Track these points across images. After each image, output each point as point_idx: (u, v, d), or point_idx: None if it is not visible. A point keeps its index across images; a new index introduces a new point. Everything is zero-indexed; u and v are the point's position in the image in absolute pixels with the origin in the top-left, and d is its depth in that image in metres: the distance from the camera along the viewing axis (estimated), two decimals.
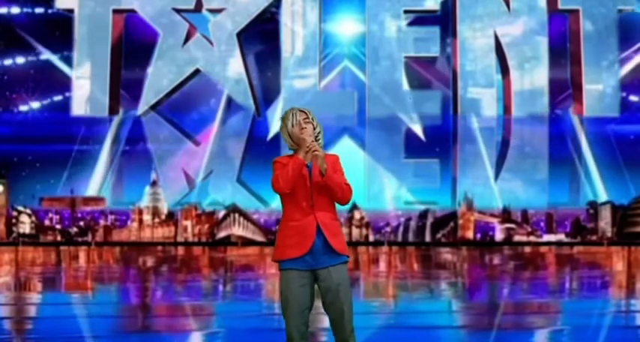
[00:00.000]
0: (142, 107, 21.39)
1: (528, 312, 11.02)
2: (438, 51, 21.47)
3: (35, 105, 21.58)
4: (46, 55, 21.54)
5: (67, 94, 21.50)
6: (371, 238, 21.27)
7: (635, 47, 21.49)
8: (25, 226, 21.32)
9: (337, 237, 5.57)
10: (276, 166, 5.59)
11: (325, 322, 8.57)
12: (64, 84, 21.50)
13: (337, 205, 5.67)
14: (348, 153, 21.56)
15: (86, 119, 21.44)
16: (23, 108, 21.61)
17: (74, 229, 21.37)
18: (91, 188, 21.38)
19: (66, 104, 21.50)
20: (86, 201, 21.42)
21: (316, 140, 5.63)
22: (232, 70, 21.49)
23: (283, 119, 5.68)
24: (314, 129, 5.62)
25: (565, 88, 21.56)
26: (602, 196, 21.31)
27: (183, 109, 21.51)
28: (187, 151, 21.44)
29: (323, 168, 5.50)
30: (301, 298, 5.49)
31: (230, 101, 21.46)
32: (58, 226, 21.39)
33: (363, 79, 21.47)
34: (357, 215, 21.26)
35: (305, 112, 5.67)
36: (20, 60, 21.57)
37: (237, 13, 21.43)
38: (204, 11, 21.43)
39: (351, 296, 5.56)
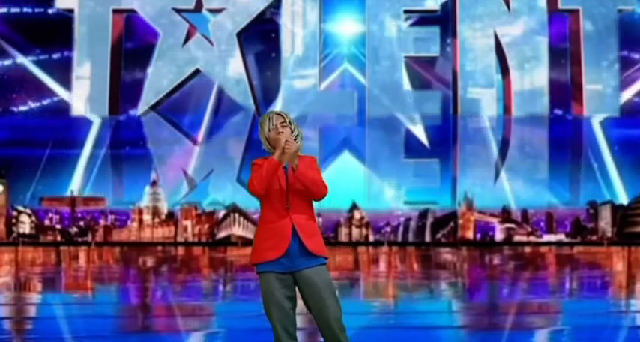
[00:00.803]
0: (142, 107, 21.38)
1: (528, 312, 11.02)
2: (438, 51, 21.47)
3: (35, 105, 21.58)
4: (46, 55, 21.53)
5: (67, 94, 21.49)
6: (371, 238, 21.27)
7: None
8: (25, 226, 21.33)
9: (313, 238, 5.55)
10: (253, 169, 5.59)
11: None
12: (64, 84, 21.49)
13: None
14: (348, 153, 21.58)
15: (86, 119, 21.43)
16: (23, 108, 21.60)
17: (74, 229, 21.37)
18: (93, 188, 21.38)
19: (66, 104, 21.50)
20: (86, 201, 21.43)
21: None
22: (232, 70, 21.49)
23: (260, 123, 5.68)
24: (291, 132, 5.60)
25: (565, 89, 21.56)
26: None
27: (184, 109, 21.50)
28: (187, 151, 21.44)
29: (294, 164, 5.49)
30: (283, 300, 5.49)
31: (230, 101, 21.46)
32: (58, 226, 21.39)
33: (363, 79, 21.47)
34: (357, 215, 21.26)
35: (282, 116, 5.65)
36: (20, 60, 21.57)
37: (237, 13, 21.43)
38: (204, 11, 21.43)
39: (334, 294, 5.53)
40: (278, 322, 5.50)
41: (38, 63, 21.56)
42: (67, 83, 21.50)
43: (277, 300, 5.49)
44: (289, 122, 5.61)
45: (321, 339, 5.57)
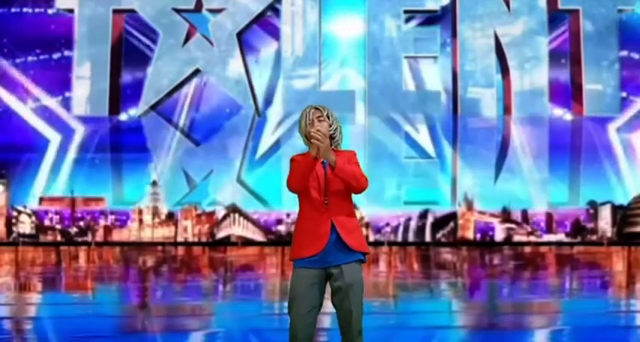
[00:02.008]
0: (142, 107, 21.39)
1: (528, 312, 11.02)
2: (438, 51, 21.47)
3: (35, 105, 21.57)
4: (46, 55, 21.53)
5: (67, 94, 21.49)
6: (371, 238, 21.27)
7: None
8: (25, 226, 21.32)
9: (353, 233, 5.49)
10: (292, 165, 5.48)
11: (326, 322, 8.57)
12: (64, 84, 21.49)
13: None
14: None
15: (86, 119, 21.43)
16: (23, 108, 21.59)
17: (74, 229, 21.37)
18: (93, 188, 21.37)
19: (66, 104, 21.49)
20: (86, 201, 21.43)
21: (332, 138, 5.51)
22: (232, 70, 21.49)
23: (299, 119, 5.59)
24: (329, 126, 5.51)
25: (565, 89, 21.56)
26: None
27: (184, 108, 21.50)
28: (187, 151, 21.44)
29: (330, 159, 5.37)
30: (309, 298, 5.42)
31: (230, 101, 21.46)
32: (58, 226, 21.39)
33: (363, 79, 21.48)
34: (357, 215, 21.25)
35: (320, 109, 5.56)
36: (20, 60, 21.56)
37: (237, 13, 21.43)
38: (204, 11, 21.43)
39: (361, 297, 5.50)
40: (297, 321, 5.43)
41: (38, 63, 21.56)
42: (67, 83, 21.50)
43: (302, 298, 5.41)
44: (327, 116, 5.52)
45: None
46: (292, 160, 5.50)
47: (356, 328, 5.46)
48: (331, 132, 5.50)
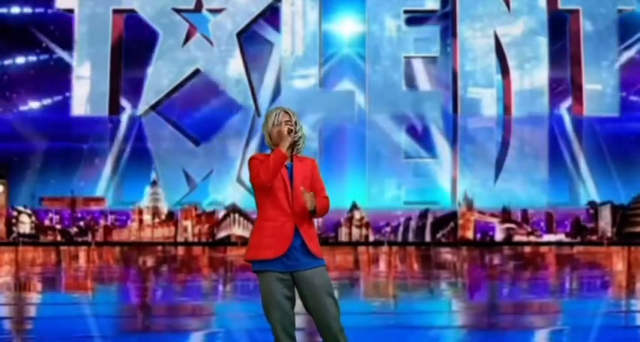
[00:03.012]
0: (142, 107, 21.39)
1: (528, 312, 11.02)
2: (438, 51, 21.47)
3: (35, 105, 21.58)
4: (46, 55, 21.54)
5: (67, 94, 21.50)
6: (371, 238, 21.26)
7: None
8: (25, 226, 21.32)
9: (314, 240, 5.55)
10: (254, 163, 5.50)
11: None
12: (64, 84, 21.50)
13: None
14: (348, 153, 21.58)
15: (86, 119, 21.44)
16: (23, 108, 21.61)
17: (74, 229, 21.37)
18: (92, 188, 21.38)
19: (66, 104, 21.50)
20: (86, 201, 21.43)
21: (295, 145, 5.56)
22: (232, 70, 21.49)
23: (266, 117, 5.62)
24: (295, 133, 5.55)
25: (565, 89, 21.58)
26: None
27: (184, 109, 21.51)
28: (187, 151, 21.44)
29: (311, 206, 5.46)
30: (284, 301, 5.46)
31: (230, 101, 21.46)
32: (58, 226, 21.39)
33: (363, 78, 21.48)
34: (357, 215, 21.25)
35: (289, 114, 5.60)
36: (20, 60, 21.57)
37: (237, 13, 21.44)
38: (204, 11, 21.44)
39: (333, 296, 5.52)
40: (278, 323, 5.48)
41: (38, 63, 21.56)
42: (67, 83, 21.50)
43: (278, 301, 5.46)
44: (295, 122, 5.56)
45: (320, 339, 5.56)
46: (254, 158, 5.53)
47: (336, 326, 5.48)
48: (295, 139, 5.53)
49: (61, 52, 21.52)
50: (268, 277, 5.48)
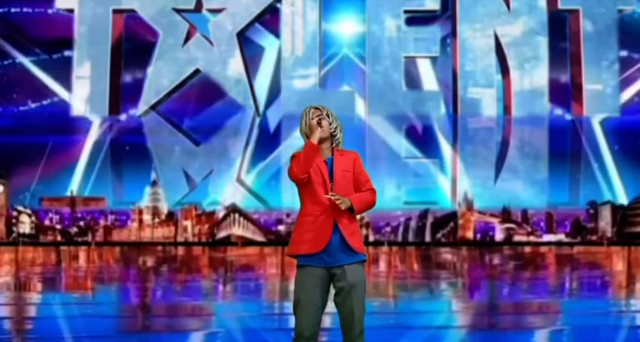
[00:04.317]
0: (142, 107, 21.39)
1: (528, 312, 11.02)
2: (438, 51, 21.47)
3: (35, 105, 21.58)
4: (46, 55, 21.54)
5: (67, 94, 21.49)
6: (371, 238, 21.27)
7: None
8: (25, 226, 21.32)
9: (355, 235, 5.51)
10: (292, 160, 5.51)
11: (327, 322, 8.57)
12: (64, 84, 21.49)
13: None
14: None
15: (86, 119, 21.43)
16: (23, 108, 21.61)
17: (74, 229, 21.37)
18: (92, 188, 21.38)
19: (66, 104, 21.49)
20: (86, 201, 21.43)
21: (333, 136, 5.54)
22: (232, 70, 21.49)
23: (300, 119, 5.61)
24: (330, 124, 5.53)
25: (565, 89, 21.57)
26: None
27: (184, 109, 21.50)
28: (187, 151, 21.44)
29: (347, 206, 5.42)
30: (314, 299, 5.43)
31: (230, 101, 21.46)
32: (58, 226, 21.40)
33: (363, 78, 21.48)
34: (357, 215, 21.25)
35: (319, 109, 5.58)
36: (20, 60, 21.57)
37: (237, 13, 21.43)
38: (204, 11, 21.43)
39: (363, 297, 5.52)
40: (303, 320, 5.44)
41: (38, 63, 21.56)
42: (67, 83, 21.50)
43: (308, 299, 5.43)
44: (327, 114, 5.54)
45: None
46: (294, 156, 5.52)
47: (358, 328, 5.48)
48: (332, 130, 5.51)
49: (60, 52, 21.51)
50: (305, 273, 5.45)
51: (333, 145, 5.52)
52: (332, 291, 5.59)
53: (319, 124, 5.45)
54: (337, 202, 5.35)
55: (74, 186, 21.35)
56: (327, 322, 8.60)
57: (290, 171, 5.45)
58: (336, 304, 5.50)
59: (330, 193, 5.37)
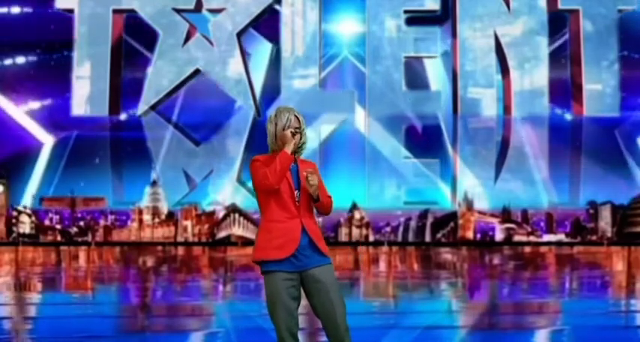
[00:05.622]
0: (142, 107, 21.39)
1: (528, 312, 11.03)
2: (438, 51, 21.48)
3: (35, 105, 21.58)
4: (46, 55, 21.54)
5: (67, 94, 21.50)
6: (371, 238, 21.27)
7: None
8: (25, 226, 21.32)
9: (321, 240, 5.58)
10: (256, 165, 5.51)
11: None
12: (64, 84, 21.50)
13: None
14: (348, 153, 21.58)
15: (86, 119, 21.44)
16: (23, 108, 21.61)
17: (74, 229, 21.37)
18: (92, 188, 21.38)
19: (66, 104, 21.50)
20: (86, 201, 21.43)
21: (299, 148, 5.58)
22: (232, 70, 21.49)
23: (276, 115, 5.60)
24: (300, 139, 5.56)
25: (565, 89, 21.58)
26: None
27: (184, 108, 21.51)
28: (187, 151, 21.44)
29: (315, 194, 5.50)
30: (289, 302, 5.47)
31: (230, 101, 21.46)
32: (58, 226, 21.40)
33: (363, 79, 21.48)
34: (357, 215, 21.25)
35: (299, 121, 5.60)
36: (20, 60, 21.57)
37: (237, 13, 21.44)
38: (204, 11, 21.43)
39: (341, 295, 5.54)
40: (283, 323, 5.48)
41: (38, 63, 21.56)
42: (67, 83, 21.50)
43: (283, 301, 5.47)
44: (302, 130, 5.57)
45: (322, 339, 5.57)
46: (256, 160, 5.53)
47: (343, 325, 5.49)
48: (300, 144, 5.56)
49: (60, 52, 21.51)
50: (276, 278, 5.48)
51: (297, 155, 5.58)
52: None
53: (294, 136, 5.49)
54: (310, 181, 5.40)
55: (74, 186, 21.35)
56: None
57: (263, 179, 5.46)
58: (315, 307, 5.50)
59: (304, 173, 5.45)
